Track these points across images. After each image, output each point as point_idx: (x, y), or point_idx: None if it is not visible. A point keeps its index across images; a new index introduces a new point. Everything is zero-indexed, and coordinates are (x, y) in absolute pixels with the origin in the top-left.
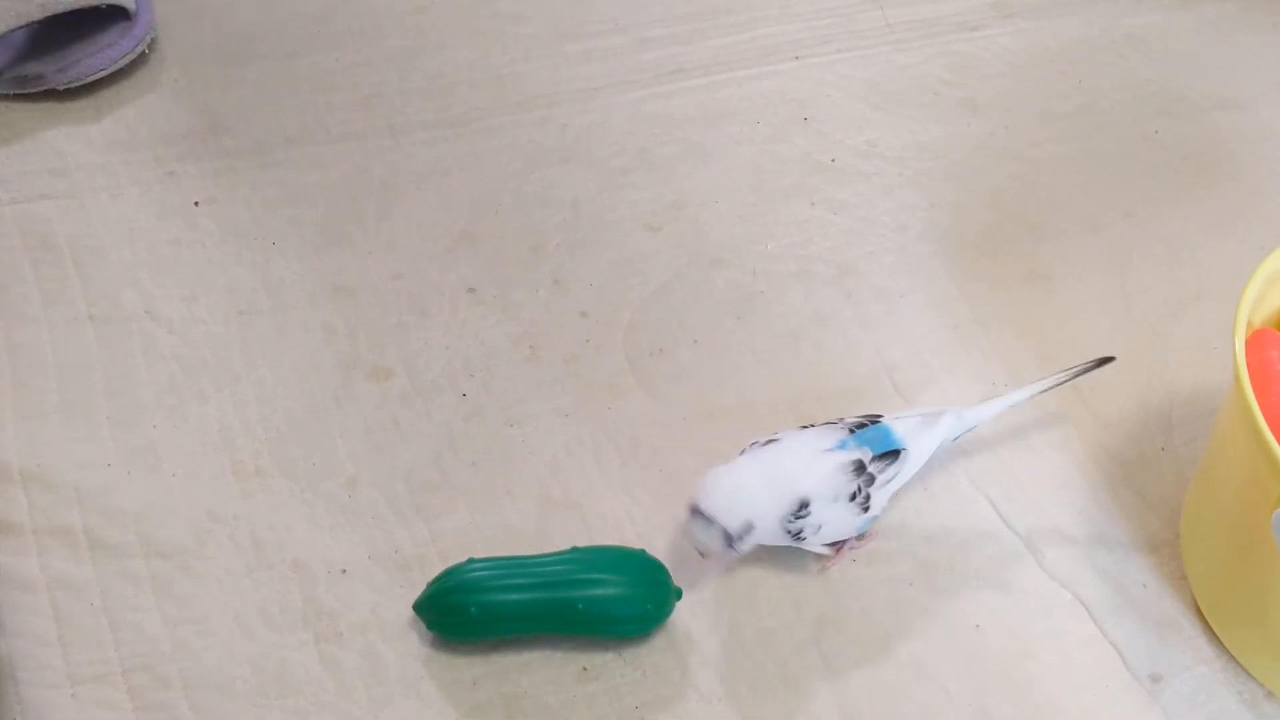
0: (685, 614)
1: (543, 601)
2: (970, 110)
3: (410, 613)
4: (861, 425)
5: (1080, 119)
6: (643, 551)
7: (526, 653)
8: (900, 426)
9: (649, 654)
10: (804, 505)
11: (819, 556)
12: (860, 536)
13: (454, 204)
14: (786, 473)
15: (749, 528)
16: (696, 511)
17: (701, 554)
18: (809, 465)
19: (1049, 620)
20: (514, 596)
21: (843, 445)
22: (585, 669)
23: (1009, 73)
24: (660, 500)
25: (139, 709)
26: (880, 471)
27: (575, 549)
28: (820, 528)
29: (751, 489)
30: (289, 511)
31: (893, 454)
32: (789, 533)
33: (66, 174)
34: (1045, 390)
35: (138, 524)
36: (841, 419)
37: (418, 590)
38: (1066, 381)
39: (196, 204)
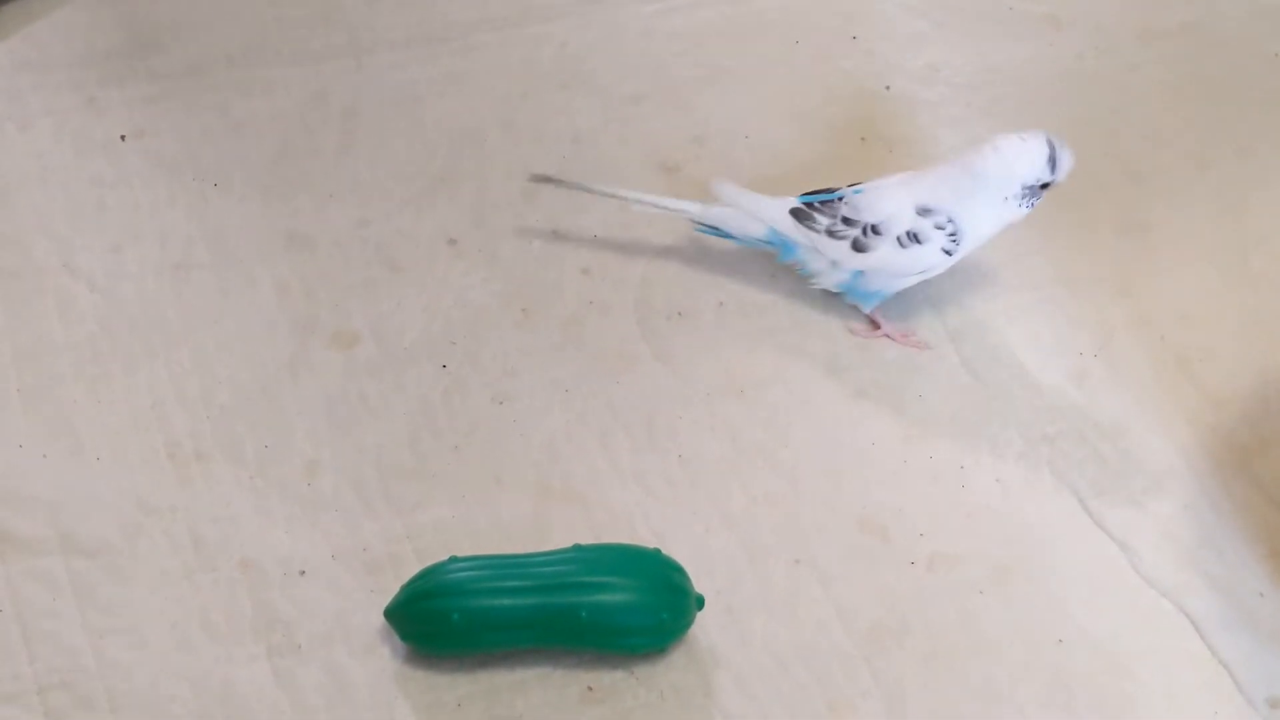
0: (710, 625)
1: (539, 608)
2: (1053, 27)
3: (381, 621)
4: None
5: (1186, 38)
6: (657, 551)
7: (521, 669)
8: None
9: (666, 672)
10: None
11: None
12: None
13: (430, 138)
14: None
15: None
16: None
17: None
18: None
19: (1147, 635)
20: (505, 602)
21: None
22: (590, 689)
23: None
24: (678, 491)
25: None
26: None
27: (578, 547)
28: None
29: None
30: (236, 502)
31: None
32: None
33: None
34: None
35: (54, 516)
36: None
37: (390, 594)
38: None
39: (123, 137)
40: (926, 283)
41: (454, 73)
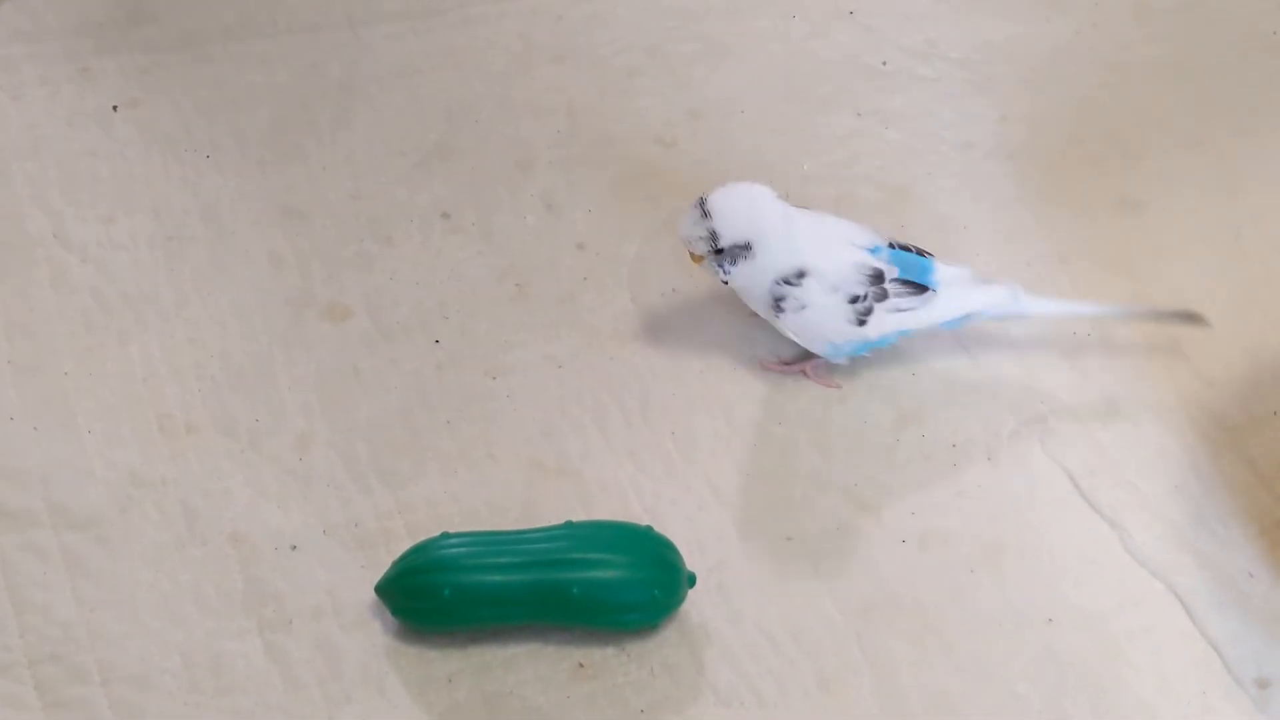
0: (701, 602)
1: (531, 584)
2: (1050, 3)
3: (373, 596)
4: (905, 248)
5: (1182, 16)
6: (649, 528)
7: (512, 645)
8: (945, 271)
9: (657, 648)
10: (801, 274)
11: (776, 365)
12: (828, 366)
13: (425, 111)
14: (801, 238)
15: (744, 250)
16: (701, 201)
17: (689, 252)
18: (828, 245)
19: (1137, 614)
20: (496, 578)
21: (874, 250)
22: (582, 665)
23: None
24: (672, 469)
25: (49, 706)
26: (897, 295)
27: (570, 523)
28: (803, 309)
29: (770, 225)
30: (227, 476)
31: (919, 289)
32: (772, 298)
33: None
34: (1119, 317)
35: (46, 488)
36: (892, 238)
37: (381, 569)
38: (1146, 317)
39: (115, 108)
40: None
41: (450, 46)
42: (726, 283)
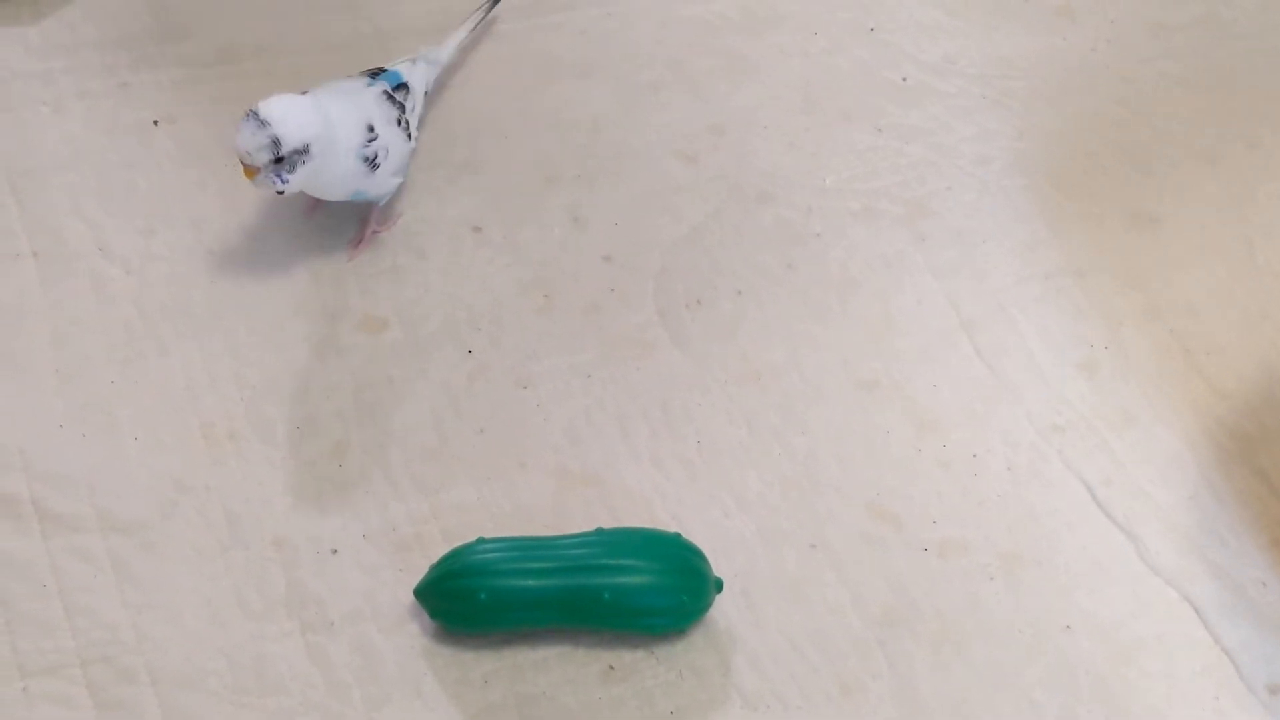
0: (727, 607)
1: (563, 589)
2: (1067, 19)
3: (410, 599)
4: (373, 73)
5: (1198, 31)
6: (678, 535)
7: (544, 648)
8: (400, 67)
9: (685, 652)
10: (371, 129)
11: (354, 246)
12: (381, 224)
13: (453, 126)
14: (344, 104)
15: (303, 154)
16: (253, 113)
17: (246, 166)
18: (359, 97)
19: (1151, 622)
20: (530, 582)
21: (370, 83)
22: (611, 668)
23: None
24: (696, 475)
25: (100, 706)
26: (404, 100)
27: (601, 530)
28: (388, 151)
29: (320, 119)
30: (268, 482)
31: (403, 87)
32: (366, 160)
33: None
34: (480, 22)
35: (92, 493)
36: (350, 75)
37: (418, 574)
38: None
39: (155, 122)
40: (940, 273)
41: (475, 61)
42: (282, 192)
